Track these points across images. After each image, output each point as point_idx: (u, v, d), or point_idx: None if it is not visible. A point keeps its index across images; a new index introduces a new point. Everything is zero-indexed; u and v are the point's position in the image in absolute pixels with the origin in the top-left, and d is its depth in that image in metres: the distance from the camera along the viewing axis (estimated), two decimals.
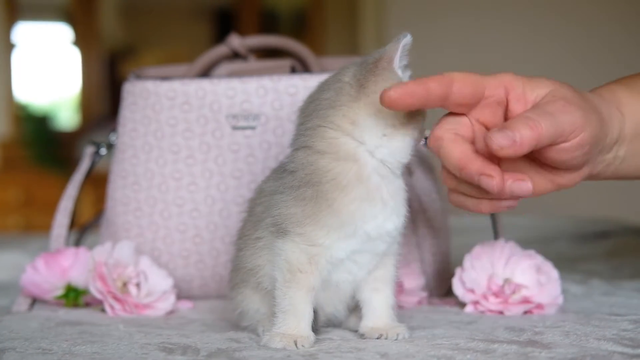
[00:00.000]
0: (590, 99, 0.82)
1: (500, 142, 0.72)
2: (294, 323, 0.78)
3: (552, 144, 0.75)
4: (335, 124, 0.78)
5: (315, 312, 0.82)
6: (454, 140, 0.78)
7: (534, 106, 0.78)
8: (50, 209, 1.17)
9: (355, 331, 0.85)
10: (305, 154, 0.79)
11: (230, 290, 0.90)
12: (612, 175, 0.88)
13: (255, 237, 0.84)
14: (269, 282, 0.83)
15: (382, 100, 0.75)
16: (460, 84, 0.77)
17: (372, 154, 0.78)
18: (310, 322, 0.79)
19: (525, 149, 0.73)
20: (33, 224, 3.78)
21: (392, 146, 0.78)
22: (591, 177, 0.86)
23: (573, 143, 0.76)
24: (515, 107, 0.79)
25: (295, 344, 0.77)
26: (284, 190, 0.80)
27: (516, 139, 0.72)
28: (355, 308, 0.87)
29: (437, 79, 0.76)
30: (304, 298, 0.79)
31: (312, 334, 0.79)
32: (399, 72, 0.79)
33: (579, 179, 0.83)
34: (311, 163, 0.78)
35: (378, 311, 0.83)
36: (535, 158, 0.80)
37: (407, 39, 0.78)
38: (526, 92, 0.79)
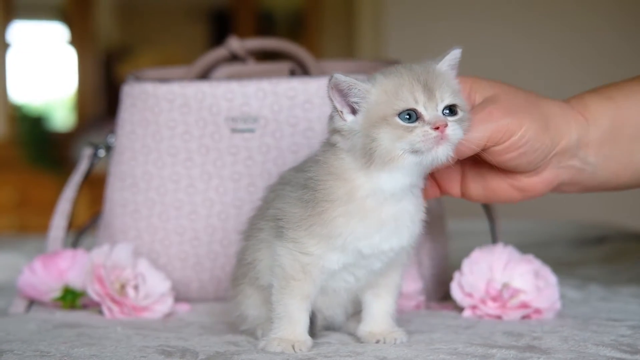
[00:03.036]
0: (537, 102, 0.86)
1: None
2: (290, 329, 0.79)
3: (485, 148, 0.82)
4: (328, 139, 0.79)
5: (313, 316, 0.82)
6: None
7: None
8: (45, 209, 1.16)
9: (354, 335, 0.85)
10: (314, 160, 0.80)
11: (231, 285, 0.90)
12: (592, 183, 0.89)
13: (258, 227, 0.84)
14: (265, 279, 0.83)
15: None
16: None
17: (362, 178, 0.76)
18: (307, 327, 0.80)
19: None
20: (27, 224, 3.76)
21: (381, 176, 0.76)
22: (566, 185, 0.89)
23: (505, 145, 0.82)
24: None
25: (293, 348, 0.77)
26: (295, 185, 0.80)
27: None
28: (354, 312, 0.87)
29: None
30: (298, 305, 0.79)
31: (309, 338, 0.79)
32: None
33: (543, 186, 0.87)
34: (315, 171, 0.79)
35: (376, 317, 0.83)
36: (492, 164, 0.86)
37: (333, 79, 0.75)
38: (471, 94, 0.86)
